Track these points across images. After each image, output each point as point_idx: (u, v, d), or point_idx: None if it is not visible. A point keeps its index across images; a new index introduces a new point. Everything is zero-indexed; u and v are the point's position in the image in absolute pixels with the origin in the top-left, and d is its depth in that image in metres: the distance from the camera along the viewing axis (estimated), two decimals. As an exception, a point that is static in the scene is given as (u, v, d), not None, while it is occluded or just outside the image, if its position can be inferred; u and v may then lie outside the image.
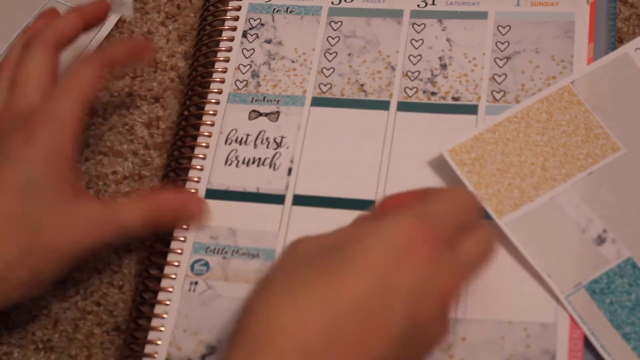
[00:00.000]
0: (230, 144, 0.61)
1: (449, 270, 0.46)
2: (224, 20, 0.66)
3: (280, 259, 0.47)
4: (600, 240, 0.54)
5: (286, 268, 0.46)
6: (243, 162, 0.60)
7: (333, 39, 0.64)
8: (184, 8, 0.69)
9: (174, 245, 0.58)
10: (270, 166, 0.60)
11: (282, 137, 0.61)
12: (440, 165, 0.57)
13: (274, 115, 0.62)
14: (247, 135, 0.61)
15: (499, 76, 0.61)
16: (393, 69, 0.62)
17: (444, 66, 0.62)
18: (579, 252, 0.54)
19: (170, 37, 0.68)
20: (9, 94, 0.56)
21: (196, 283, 0.57)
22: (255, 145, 0.61)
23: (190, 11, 0.69)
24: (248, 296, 0.46)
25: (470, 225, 0.49)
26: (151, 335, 0.56)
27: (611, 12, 0.61)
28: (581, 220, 0.55)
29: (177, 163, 0.61)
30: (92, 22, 0.60)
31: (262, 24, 0.65)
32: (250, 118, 0.62)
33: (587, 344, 0.52)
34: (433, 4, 0.64)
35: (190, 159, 0.61)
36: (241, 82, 0.63)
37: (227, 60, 0.64)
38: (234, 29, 0.65)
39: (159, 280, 0.58)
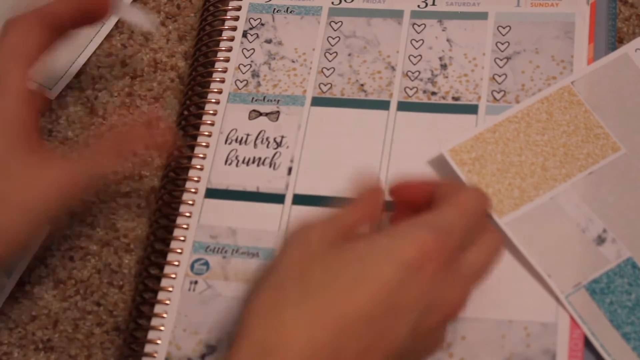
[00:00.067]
0: (230, 143, 0.61)
1: (455, 286, 0.46)
2: (224, 20, 0.66)
3: (289, 252, 0.46)
4: (600, 240, 0.54)
5: (297, 268, 0.45)
6: (243, 162, 0.60)
7: (333, 39, 0.64)
8: (184, 8, 0.69)
9: (173, 244, 0.58)
10: (270, 166, 0.60)
11: (282, 137, 0.61)
12: (440, 164, 0.57)
13: (274, 115, 0.62)
14: (247, 135, 0.61)
15: (499, 76, 0.61)
16: (393, 69, 0.62)
17: (444, 66, 0.62)
18: (579, 252, 0.54)
19: (170, 37, 0.68)
20: None
21: (196, 282, 0.57)
22: (255, 145, 0.61)
23: (190, 11, 0.69)
24: (253, 292, 0.45)
25: (478, 227, 0.49)
26: (151, 335, 0.56)
27: (611, 13, 0.61)
28: (581, 220, 0.55)
29: (177, 163, 0.61)
30: (90, 10, 0.57)
31: (262, 24, 0.65)
32: (250, 118, 0.62)
33: (588, 344, 0.52)
34: (433, 4, 0.64)
35: (190, 158, 0.61)
36: (241, 82, 0.63)
37: (227, 60, 0.64)
38: (234, 28, 0.65)
39: (158, 279, 0.58)
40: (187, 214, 0.59)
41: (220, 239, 0.58)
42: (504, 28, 0.62)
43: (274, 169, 0.60)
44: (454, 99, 0.60)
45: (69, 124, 0.65)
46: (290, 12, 0.66)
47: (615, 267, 0.53)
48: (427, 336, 0.46)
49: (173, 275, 0.57)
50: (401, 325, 0.43)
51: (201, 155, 0.61)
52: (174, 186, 0.61)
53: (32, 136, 0.53)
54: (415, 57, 0.62)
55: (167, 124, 0.58)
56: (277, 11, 0.66)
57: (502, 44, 0.62)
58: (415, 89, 0.61)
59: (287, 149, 0.60)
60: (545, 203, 0.55)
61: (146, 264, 0.59)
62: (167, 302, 0.57)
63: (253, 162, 0.60)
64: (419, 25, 0.64)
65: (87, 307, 0.59)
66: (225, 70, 0.64)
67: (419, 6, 0.64)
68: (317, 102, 0.62)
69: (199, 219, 0.59)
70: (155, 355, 0.55)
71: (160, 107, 0.65)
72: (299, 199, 0.58)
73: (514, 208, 0.55)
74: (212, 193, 0.60)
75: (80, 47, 0.67)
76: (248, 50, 0.64)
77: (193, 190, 0.60)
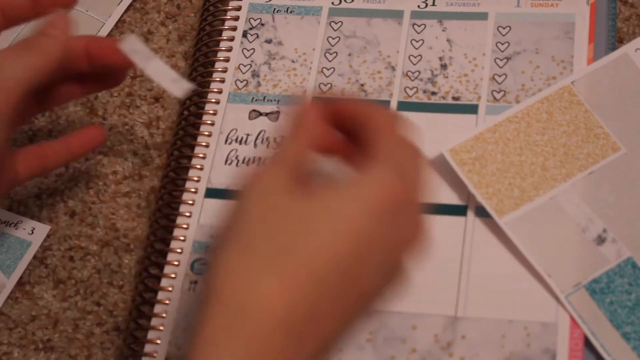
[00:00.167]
0: (230, 143, 0.61)
1: (414, 217, 0.45)
2: (224, 20, 0.66)
3: (247, 207, 0.44)
4: (600, 240, 0.54)
5: (261, 224, 0.43)
6: (243, 162, 0.60)
7: (333, 39, 0.64)
8: (184, 8, 0.69)
9: (173, 244, 0.58)
10: (270, 166, 0.60)
11: (282, 137, 0.61)
12: (440, 164, 0.57)
13: (274, 115, 0.62)
14: (247, 135, 0.61)
15: (499, 76, 0.61)
16: (393, 69, 0.62)
17: (444, 66, 0.62)
18: (579, 252, 0.54)
19: (170, 37, 0.68)
20: None
21: (196, 282, 0.57)
22: (255, 145, 0.61)
23: (190, 11, 0.69)
24: (218, 254, 0.43)
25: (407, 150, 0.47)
26: (151, 335, 0.56)
27: (611, 13, 0.61)
28: (581, 220, 0.55)
29: (177, 163, 0.61)
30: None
31: (263, 24, 0.65)
32: (250, 118, 0.62)
33: (588, 344, 0.52)
34: (433, 4, 0.64)
35: (190, 158, 0.61)
36: (241, 82, 0.63)
37: (227, 60, 0.64)
38: (234, 28, 0.65)
39: (159, 279, 0.58)
40: (187, 214, 0.59)
41: (220, 239, 0.58)
42: (504, 28, 0.62)
43: (274, 168, 0.60)
44: (454, 98, 0.60)
45: (69, 124, 0.65)
46: (291, 12, 0.66)
47: (615, 267, 0.53)
48: (390, 273, 0.45)
49: (173, 275, 0.57)
50: (371, 270, 0.43)
51: (201, 155, 0.61)
52: (174, 186, 0.61)
53: None
54: (415, 57, 0.62)
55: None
56: (277, 11, 0.66)
57: (502, 44, 0.62)
58: (415, 89, 0.61)
59: (287, 149, 0.60)
60: (545, 203, 0.55)
61: (146, 264, 0.59)
62: (167, 302, 0.57)
63: (253, 162, 0.60)
64: (419, 26, 0.64)
65: (87, 307, 0.59)
66: (225, 70, 0.64)
67: (419, 6, 0.64)
68: (317, 102, 0.62)
69: (199, 218, 0.59)
70: (155, 355, 0.55)
71: (160, 107, 0.65)
72: (299, 199, 0.58)
73: (514, 208, 0.55)
74: (212, 193, 0.60)
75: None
76: (248, 50, 0.65)
77: (193, 190, 0.60)
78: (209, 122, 0.62)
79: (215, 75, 0.64)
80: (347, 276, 0.42)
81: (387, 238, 0.43)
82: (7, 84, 0.52)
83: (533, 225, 0.55)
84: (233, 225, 0.44)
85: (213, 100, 0.63)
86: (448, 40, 0.63)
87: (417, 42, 0.63)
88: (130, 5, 0.69)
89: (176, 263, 0.58)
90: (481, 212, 0.56)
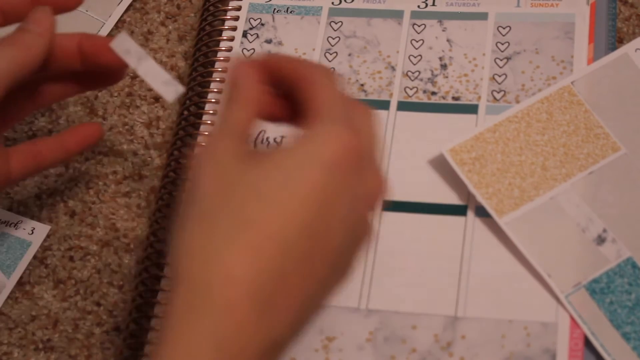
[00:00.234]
0: (230, 143, 0.61)
1: (372, 170, 0.44)
2: (224, 20, 0.66)
3: (202, 180, 0.43)
4: (600, 240, 0.54)
5: (218, 195, 0.42)
6: (243, 162, 0.60)
7: (333, 39, 0.64)
8: (184, 8, 0.69)
9: (174, 244, 0.58)
10: (270, 166, 0.60)
11: (282, 137, 0.61)
12: (440, 164, 0.57)
13: (274, 115, 0.62)
14: (247, 135, 0.61)
15: (499, 76, 0.61)
16: (393, 69, 0.62)
17: (444, 66, 0.62)
18: (579, 252, 0.54)
19: (170, 37, 0.68)
20: None
21: (196, 282, 0.57)
22: (255, 145, 0.61)
23: (190, 11, 0.69)
24: (178, 232, 0.42)
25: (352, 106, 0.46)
26: (151, 335, 0.56)
27: (611, 13, 0.61)
28: (581, 219, 0.55)
29: (177, 163, 0.61)
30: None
31: (263, 24, 0.66)
32: (250, 118, 0.62)
33: (588, 344, 0.52)
34: (433, 4, 0.64)
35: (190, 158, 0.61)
36: (241, 82, 0.63)
37: (227, 60, 0.64)
38: (234, 29, 0.65)
39: (159, 279, 0.58)
40: (187, 214, 0.59)
41: (220, 239, 0.58)
42: (504, 28, 0.62)
43: (274, 168, 0.60)
44: (454, 98, 0.60)
45: (69, 124, 0.65)
46: (290, 12, 0.66)
47: (615, 267, 0.53)
48: (356, 228, 0.44)
49: (173, 275, 0.57)
50: (335, 225, 0.42)
51: (201, 155, 0.61)
52: (174, 186, 0.61)
53: None
54: (415, 57, 0.62)
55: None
56: (277, 11, 0.66)
57: (502, 44, 0.62)
58: (415, 89, 0.61)
59: (287, 149, 0.60)
60: (545, 203, 0.55)
61: (146, 264, 0.59)
62: (167, 302, 0.57)
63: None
64: (419, 26, 0.64)
65: (87, 307, 0.59)
66: (225, 70, 0.64)
67: (419, 6, 0.64)
68: (317, 102, 0.62)
69: (199, 218, 0.59)
70: (155, 355, 0.55)
71: (160, 107, 0.65)
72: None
73: (514, 208, 0.55)
74: (212, 193, 0.60)
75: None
76: (248, 51, 0.65)
77: (193, 190, 0.60)
78: (209, 122, 0.62)
79: (215, 75, 0.64)
80: (312, 236, 0.41)
81: (348, 192, 0.42)
82: None
83: (533, 225, 0.55)
84: (189, 203, 0.42)
85: (213, 100, 0.63)
86: (448, 40, 0.63)
87: (417, 42, 0.63)
88: (130, 5, 0.69)
89: (176, 263, 0.58)
90: (481, 212, 0.56)
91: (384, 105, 0.61)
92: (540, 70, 0.60)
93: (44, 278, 0.60)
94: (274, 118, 0.47)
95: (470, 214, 0.56)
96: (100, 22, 0.69)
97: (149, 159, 0.64)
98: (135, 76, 0.67)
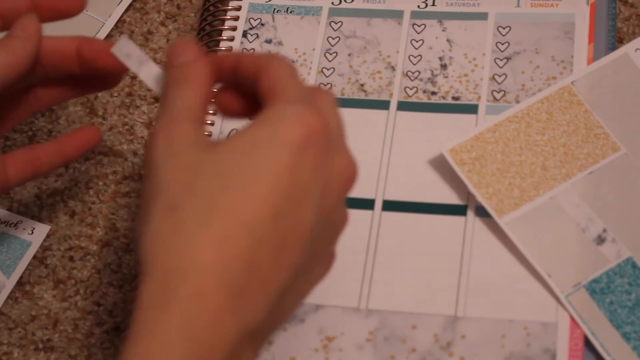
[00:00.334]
0: (230, 143, 0.61)
1: (342, 154, 0.43)
2: (224, 20, 0.66)
3: (161, 167, 0.41)
4: (600, 240, 0.54)
5: (181, 183, 0.40)
6: (243, 162, 0.60)
7: (333, 39, 0.64)
8: (184, 8, 0.69)
9: (174, 244, 0.58)
10: (270, 166, 0.60)
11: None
12: (440, 164, 0.57)
13: (274, 115, 0.62)
14: (247, 135, 0.61)
15: (499, 76, 0.61)
16: (393, 69, 0.62)
17: (444, 66, 0.62)
18: (579, 252, 0.54)
19: (170, 37, 0.68)
20: None
21: (196, 282, 0.57)
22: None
23: (190, 11, 0.69)
24: (142, 224, 0.41)
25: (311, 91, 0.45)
26: (151, 335, 0.56)
27: (611, 13, 0.61)
28: (581, 219, 0.55)
29: (177, 163, 0.61)
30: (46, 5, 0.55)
31: (262, 24, 0.66)
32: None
33: (588, 344, 0.52)
34: (433, 4, 0.64)
35: (190, 158, 0.61)
36: (241, 82, 0.63)
37: (227, 60, 0.64)
38: (234, 29, 0.65)
39: (158, 279, 0.58)
40: (187, 214, 0.59)
41: (220, 239, 0.58)
42: (504, 28, 0.62)
43: (274, 168, 0.60)
44: (454, 98, 0.60)
45: (69, 124, 0.66)
46: (290, 12, 0.66)
47: (615, 267, 0.53)
48: (332, 214, 0.43)
49: (173, 275, 0.57)
50: (307, 210, 0.41)
51: (201, 155, 0.61)
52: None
53: None
54: (415, 57, 0.62)
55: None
56: (277, 11, 0.66)
57: (502, 44, 0.62)
58: (415, 89, 0.61)
59: (287, 148, 0.60)
60: (545, 203, 0.55)
61: (146, 264, 0.59)
62: (167, 302, 0.57)
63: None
64: (419, 26, 0.64)
65: (87, 307, 0.59)
66: (225, 70, 0.64)
67: (419, 6, 0.64)
68: (317, 102, 0.62)
69: (199, 218, 0.59)
70: (155, 355, 0.55)
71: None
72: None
73: (514, 208, 0.55)
74: (212, 193, 0.60)
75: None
76: (248, 51, 0.65)
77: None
78: (209, 122, 0.62)
79: (215, 75, 0.64)
80: (283, 220, 0.40)
81: (319, 175, 0.41)
82: None
83: (533, 225, 0.55)
84: (150, 191, 0.41)
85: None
86: (448, 40, 0.63)
87: (417, 42, 0.63)
88: (130, 5, 0.69)
89: (176, 263, 0.58)
90: (481, 212, 0.56)
91: (384, 105, 0.61)
92: (540, 70, 0.60)
93: (44, 278, 0.60)
94: (235, 113, 0.46)
95: (470, 214, 0.56)
96: (100, 22, 0.69)
97: (149, 159, 0.63)
98: (135, 76, 0.67)
